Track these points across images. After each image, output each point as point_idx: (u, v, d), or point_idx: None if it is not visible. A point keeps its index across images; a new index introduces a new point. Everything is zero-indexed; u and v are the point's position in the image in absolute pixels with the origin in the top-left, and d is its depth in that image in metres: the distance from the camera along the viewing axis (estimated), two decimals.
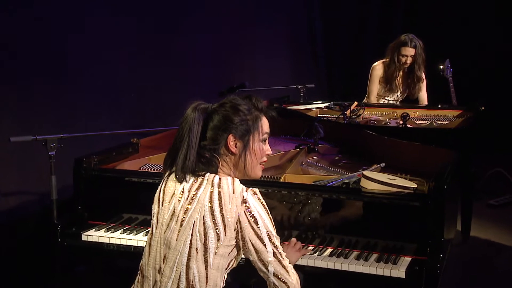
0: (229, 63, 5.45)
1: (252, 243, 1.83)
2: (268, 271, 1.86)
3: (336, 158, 3.13)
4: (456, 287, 3.50)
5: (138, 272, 1.98)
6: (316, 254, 2.35)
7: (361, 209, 2.39)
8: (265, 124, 1.96)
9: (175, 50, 4.74)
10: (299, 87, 4.70)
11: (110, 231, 2.66)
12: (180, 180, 1.88)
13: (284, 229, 2.46)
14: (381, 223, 2.36)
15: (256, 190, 1.88)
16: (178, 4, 4.71)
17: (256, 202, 1.84)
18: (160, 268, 1.87)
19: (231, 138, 1.89)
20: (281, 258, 1.87)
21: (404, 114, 3.83)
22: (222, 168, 1.91)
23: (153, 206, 1.96)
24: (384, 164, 2.81)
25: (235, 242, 1.84)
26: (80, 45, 3.84)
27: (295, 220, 2.45)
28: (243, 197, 1.82)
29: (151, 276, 1.89)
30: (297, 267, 2.30)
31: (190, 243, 1.82)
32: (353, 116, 4.02)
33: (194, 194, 1.85)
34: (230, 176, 1.90)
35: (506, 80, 6.19)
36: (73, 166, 2.80)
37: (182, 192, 1.87)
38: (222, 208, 1.81)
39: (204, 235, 1.81)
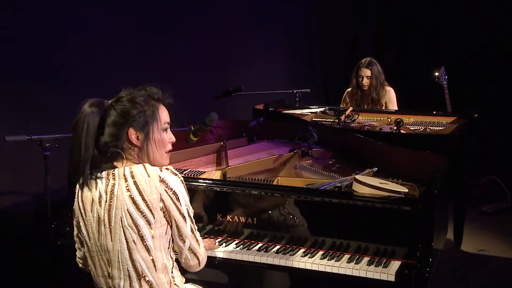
0: (226, 67, 5.47)
1: (175, 220, 1.88)
2: (184, 245, 1.91)
3: (330, 162, 3.15)
4: None
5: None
6: (307, 257, 2.37)
7: (352, 213, 2.41)
8: (164, 113, 1.95)
9: (172, 54, 4.76)
10: (295, 91, 4.73)
11: None
12: (93, 183, 1.86)
13: (275, 231, 2.48)
14: (372, 227, 2.37)
15: (170, 166, 1.90)
16: (175, 8, 4.74)
17: (173, 178, 1.87)
18: (109, 273, 1.89)
19: (131, 131, 1.87)
20: (195, 232, 1.94)
21: (398, 120, 3.85)
22: (128, 161, 1.90)
23: (74, 220, 1.95)
24: (376, 168, 2.83)
25: (166, 220, 1.87)
26: (76, 45, 3.86)
27: (286, 222, 2.47)
28: (160, 176, 1.84)
29: (104, 284, 1.91)
30: (290, 270, 2.34)
31: (125, 238, 1.83)
32: (348, 121, 4.05)
33: (111, 194, 1.85)
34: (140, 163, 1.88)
35: (501, 87, 6.21)
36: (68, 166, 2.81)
37: (100, 196, 1.86)
38: (142, 195, 1.82)
39: (135, 226, 1.82)
